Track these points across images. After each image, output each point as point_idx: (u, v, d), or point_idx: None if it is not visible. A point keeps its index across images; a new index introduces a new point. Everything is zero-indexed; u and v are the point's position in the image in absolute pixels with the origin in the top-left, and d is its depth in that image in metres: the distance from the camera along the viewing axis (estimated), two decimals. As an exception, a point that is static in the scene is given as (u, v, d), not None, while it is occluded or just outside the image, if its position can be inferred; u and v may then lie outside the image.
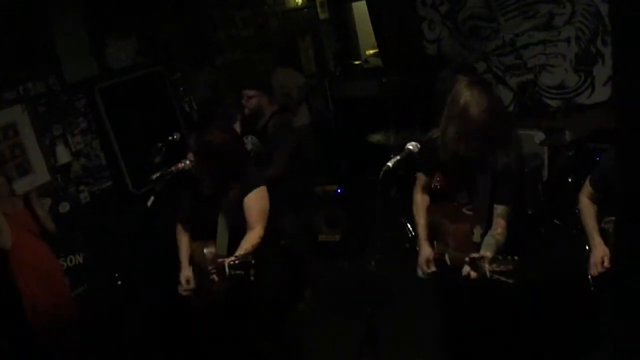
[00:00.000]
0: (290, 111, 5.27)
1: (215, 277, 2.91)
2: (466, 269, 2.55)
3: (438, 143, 2.71)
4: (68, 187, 4.94)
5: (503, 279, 2.38)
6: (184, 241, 3.33)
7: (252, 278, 2.79)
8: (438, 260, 2.86)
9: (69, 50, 4.93)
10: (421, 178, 2.99)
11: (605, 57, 5.21)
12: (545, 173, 5.20)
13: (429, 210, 2.98)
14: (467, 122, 2.53)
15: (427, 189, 2.99)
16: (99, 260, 4.84)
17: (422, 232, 2.94)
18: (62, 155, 4.85)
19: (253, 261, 2.80)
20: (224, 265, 2.84)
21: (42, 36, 4.76)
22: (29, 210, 3.97)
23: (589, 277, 2.82)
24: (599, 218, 2.86)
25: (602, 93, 5.31)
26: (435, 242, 2.93)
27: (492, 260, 2.44)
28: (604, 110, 5.09)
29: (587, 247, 2.88)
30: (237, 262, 2.81)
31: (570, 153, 4.75)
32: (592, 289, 2.82)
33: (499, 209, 2.68)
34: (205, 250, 3.11)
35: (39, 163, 4.71)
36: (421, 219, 2.96)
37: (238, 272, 2.80)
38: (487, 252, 2.56)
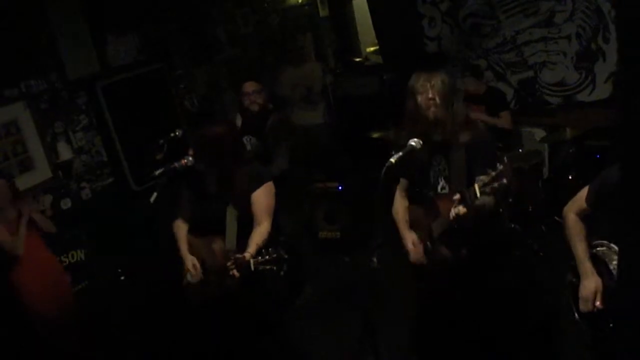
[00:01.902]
0: (283, 109, 5.29)
1: (235, 272, 2.87)
2: (453, 211, 2.54)
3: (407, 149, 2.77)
4: (70, 184, 4.96)
5: (505, 182, 2.33)
6: (182, 233, 3.31)
7: (282, 273, 2.78)
8: (424, 248, 2.93)
9: (71, 47, 4.94)
10: (403, 182, 3.10)
11: (606, 55, 5.20)
12: (545, 170, 5.21)
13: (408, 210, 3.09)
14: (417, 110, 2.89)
15: (406, 192, 3.11)
16: (100, 256, 4.85)
17: (404, 225, 3.06)
18: (64, 152, 4.87)
19: (286, 256, 2.79)
20: (244, 261, 2.83)
21: (43, 33, 4.77)
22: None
23: (574, 309, 2.57)
24: (589, 241, 2.54)
25: (602, 90, 5.30)
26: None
27: (483, 182, 2.41)
28: (604, 108, 5.09)
29: (569, 274, 2.62)
30: (267, 257, 2.79)
31: (570, 150, 4.75)
32: (576, 318, 2.57)
33: (481, 180, 2.58)
34: (213, 246, 3.09)
35: (41, 160, 4.73)
36: (404, 216, 3.08)
37: (268, 267, 2.78)
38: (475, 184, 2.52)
